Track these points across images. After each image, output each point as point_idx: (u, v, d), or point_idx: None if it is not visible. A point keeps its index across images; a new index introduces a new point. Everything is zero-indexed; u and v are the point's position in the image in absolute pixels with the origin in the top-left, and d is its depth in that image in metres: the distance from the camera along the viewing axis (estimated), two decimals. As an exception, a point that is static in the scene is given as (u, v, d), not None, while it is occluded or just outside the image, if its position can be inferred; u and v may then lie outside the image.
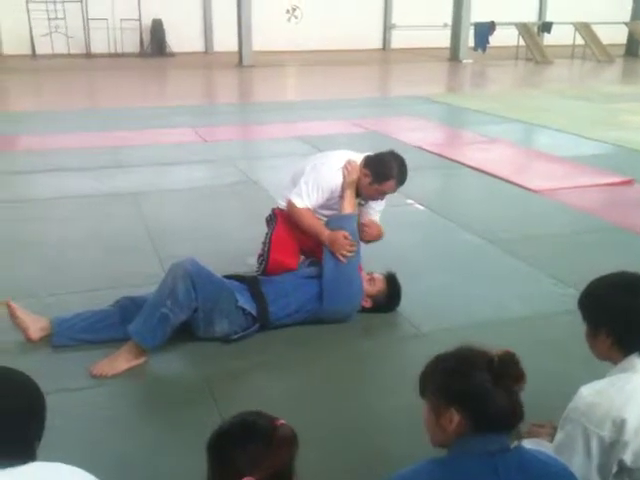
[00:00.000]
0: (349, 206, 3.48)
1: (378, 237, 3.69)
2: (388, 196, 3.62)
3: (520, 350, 3.19)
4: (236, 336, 3.18)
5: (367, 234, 3.62)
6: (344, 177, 3.48)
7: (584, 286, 2.06)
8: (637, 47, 20.34)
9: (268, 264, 3.66)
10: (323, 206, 3.61)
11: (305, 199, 3.54)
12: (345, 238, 3.38)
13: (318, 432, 2.50)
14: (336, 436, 2.55)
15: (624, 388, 1.80)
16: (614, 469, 1.75)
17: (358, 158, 3.56)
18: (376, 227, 3.67)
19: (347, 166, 3.49)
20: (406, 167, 3.49)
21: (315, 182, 3.52)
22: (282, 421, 1.55)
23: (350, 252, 3.39)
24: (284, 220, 3.70)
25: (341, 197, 3.51)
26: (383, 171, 3.43)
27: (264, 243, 3.73)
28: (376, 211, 3.74)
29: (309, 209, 3.55)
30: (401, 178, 3.48)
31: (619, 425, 1.73)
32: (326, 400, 2.81)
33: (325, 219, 3.61)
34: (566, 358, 3.06)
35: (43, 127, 8.82)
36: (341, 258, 3.37)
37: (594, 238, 4.75)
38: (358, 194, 3.58)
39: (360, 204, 3.68)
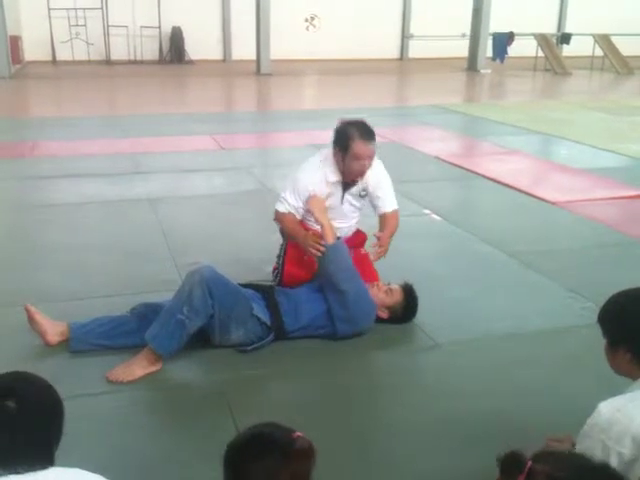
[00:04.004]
0: (329, 236, 3.39)
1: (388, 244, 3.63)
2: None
3: (537, 363, 3.19)
4: (250, 347, 3.17)
5: (379, 254, 3.55)
6: (313, 211, 3.46)
7: (603, 300, 2.05)
8: (657, 59, 20.21)
9: (283, 277, 3.66)
10: (309, 211, 3.63)
11: (285, 204, 3.61)
12: (315, 239, 3.42)
13: (333, 443, 2.49)
14: (351, 448, 2.53)
15: (644, 405, 1.78)
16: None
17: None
18: (385, 242, 3.56)
19: (310, 201, 3.47)
20: (365, 124, 3.52)
21: (292, 186, 3.61)
22: (299, 433, 1.53)
23: (318, 250, 3.39)
24: None
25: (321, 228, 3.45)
26: (344, 138, 3.46)
27: (278, 256, 3.73)
28: (385, 201, 3.68)
29: (291, 213, 3.61)
30: (363, 134, 3.47)
31: (639, 442, 1.71)
32: (341, 411, 2.80)
33: (313, 224, 3.62)
34: (584, 372, 3.03)
35: (63, 133, 8.90)
36: (312, 251, 3.41)
37: (613, 251, 4.71)
38: (350, 184, 3.60)
39: (361, 195, 3.67)
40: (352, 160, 3.46)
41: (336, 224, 3.57)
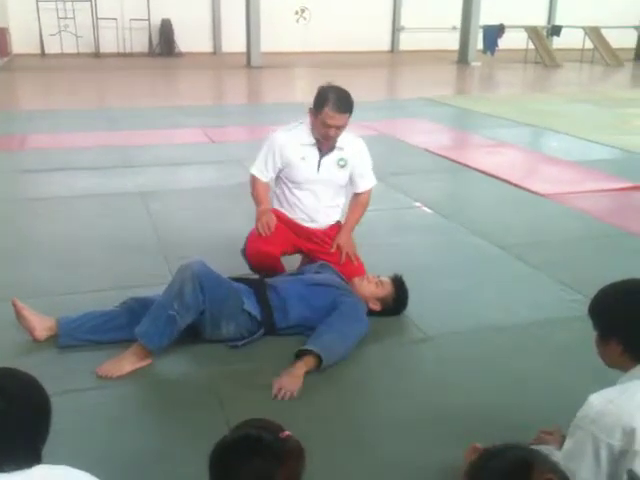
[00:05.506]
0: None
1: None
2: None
3: (528, 356, 3.20)
4: (241, 343, 3.15)
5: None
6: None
7: (593, 292, 2.05)
8: (646, 51, 20.28)
9: (246, 252, 3.69)
10: (286, 176, 3.73)
11: (259, 165, 3.76)
12: (268, 225, 3.60)
13: (325, 437, 2.49)
14: (342, 441, 2.53)
15: (634, 396, 1.78)
16: (624, 479, 1.73)
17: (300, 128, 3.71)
18: (349, 248, 3.75)
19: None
20: (346, 94, 3.57)
21: (267, 146, 3.73)
22: (287, 433, 1.49)
23: (265, 231, 3.60)
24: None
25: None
26: (320, 100, 3.56)
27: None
28: (364, 178, 3.81)
29: (266, 184, 3.80)
30: (339, 103, 3.53)
31: (629, 434, 1.71)
32: (333, 404, 2.79)
33: (295, 190, 3.74)
34: (574, 364, 3.04)
35: (52, 126, 8.84)
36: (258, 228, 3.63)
37: (603, 244, 4.72)
38: (326, 150, 3.69)
39: (340, 165, 3.73)
40: (320, 123, 3.57)
41: (314, 203, 3.73)
